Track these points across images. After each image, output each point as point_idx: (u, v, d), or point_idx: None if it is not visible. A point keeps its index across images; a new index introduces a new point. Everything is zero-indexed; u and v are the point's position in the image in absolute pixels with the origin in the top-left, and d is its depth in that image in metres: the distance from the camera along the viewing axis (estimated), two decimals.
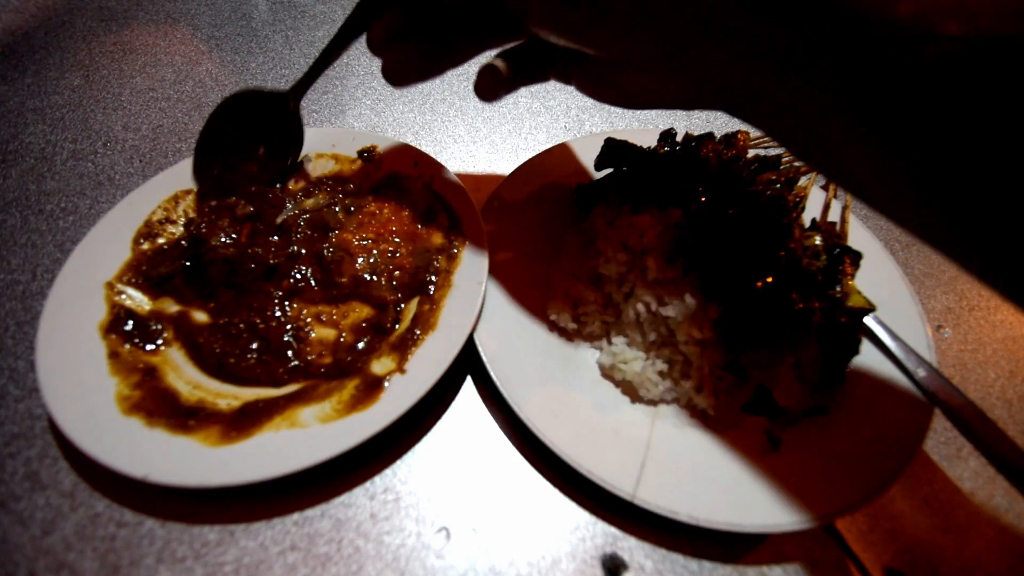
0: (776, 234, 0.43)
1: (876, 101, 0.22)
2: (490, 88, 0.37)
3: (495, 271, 0.49)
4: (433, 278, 0.48)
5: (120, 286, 0.45)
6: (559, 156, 0.59)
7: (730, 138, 0.52)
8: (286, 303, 0.46)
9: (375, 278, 0.48)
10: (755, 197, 0.45)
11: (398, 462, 0.42)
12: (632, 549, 0.39)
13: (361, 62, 0.76)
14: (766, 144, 0.57)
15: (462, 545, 0.39)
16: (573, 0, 0.25)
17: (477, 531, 0.39)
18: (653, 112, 0.74)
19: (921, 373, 0.41)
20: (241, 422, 0.40)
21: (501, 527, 0.40)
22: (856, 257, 0.47)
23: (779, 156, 0.53)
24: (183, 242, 0.49)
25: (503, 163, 0.65)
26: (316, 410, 0.41)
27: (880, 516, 0.42)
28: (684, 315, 0.44)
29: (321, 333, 0.46)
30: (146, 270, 0.47)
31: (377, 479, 0.41)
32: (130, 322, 0.45)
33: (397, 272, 0.49)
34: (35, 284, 0.50)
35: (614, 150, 0.54)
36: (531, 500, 0.41)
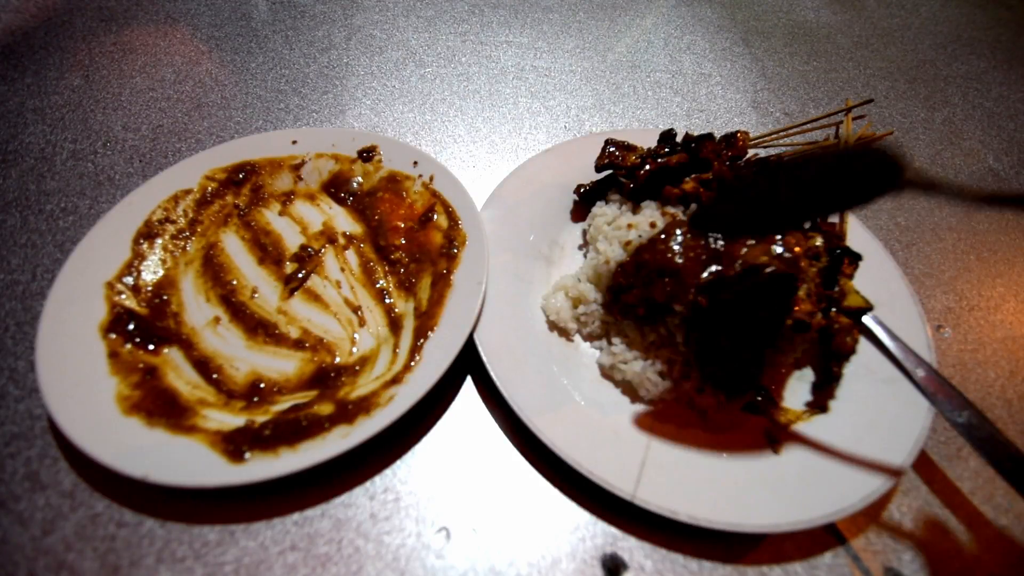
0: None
1: None
2: None
3: (495, 271, 0.49)
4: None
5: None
6: (559, 156, 0.59)
7: (730, 138, 0.52)
8: None
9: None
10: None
11: (398, 462, 0.42)
12: (632, 549, 0.39)
13: (361, 62, 0.76)
14: (766, 144, 0.57)
15: (462, 545, 0.39)
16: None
17: (477, 531, 0.39)
18: (653, 112, 0.74)
19: (920, 373, 0.40)
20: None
21: (501, 527, 0.40)
22: (855, 258, 0.47)
23: (779, 156, 0.52)
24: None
25: (503, 163, 0.65)
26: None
27: (880, 516, 0.42)
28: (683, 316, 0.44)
29: None
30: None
31: (377, 479, 0.41)
32: (131, 322, 0.45)
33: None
34: (35, 284, 0.50)
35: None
36: (531, 500, 0.41)
